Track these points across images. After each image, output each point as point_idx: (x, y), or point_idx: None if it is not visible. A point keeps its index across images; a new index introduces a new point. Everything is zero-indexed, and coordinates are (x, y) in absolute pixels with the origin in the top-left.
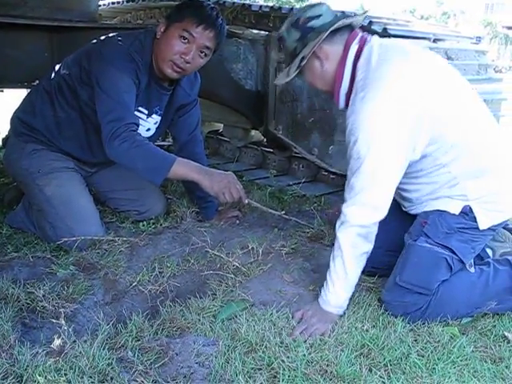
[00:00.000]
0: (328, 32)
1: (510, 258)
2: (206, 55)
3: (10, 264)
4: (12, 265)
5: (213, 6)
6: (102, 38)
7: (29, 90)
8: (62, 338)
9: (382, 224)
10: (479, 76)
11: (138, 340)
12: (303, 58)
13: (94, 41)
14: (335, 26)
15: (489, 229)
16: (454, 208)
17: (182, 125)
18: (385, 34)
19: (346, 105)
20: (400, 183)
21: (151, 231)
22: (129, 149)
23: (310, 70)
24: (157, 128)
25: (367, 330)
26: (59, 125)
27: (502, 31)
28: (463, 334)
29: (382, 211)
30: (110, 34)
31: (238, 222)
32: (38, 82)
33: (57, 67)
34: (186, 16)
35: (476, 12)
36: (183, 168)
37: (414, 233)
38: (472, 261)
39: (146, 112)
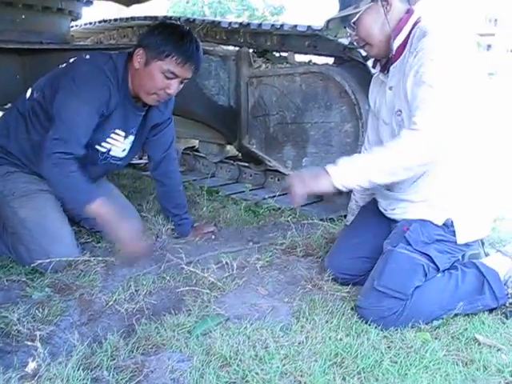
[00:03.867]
0: None
1: (474, 260)
2: (184, 82)
3: None
4: None
5: (191, 36)
6: (74, 58)
7: (3, 113)
8: (37, 361)
9: (360, 233)
10: None
11: (114, 359)
12: None
13: (71, 60)
14: None
15: (465, 244)
16: (438, 219)
17: (156, 143)
18: None
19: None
20: None
21: None
22: (57, 174)
23: (376, 12)
24: (131, 148)
25: (341, 339)
26: (34, 148)
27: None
28: (435, 338)
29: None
30: (84, 54)
31: (213, 237)
32: (11, 104)
33: (29, 90)
34: (169, 55)
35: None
36: (99, 210)
37: (394, 239)
38: None
39: (123, 134)
